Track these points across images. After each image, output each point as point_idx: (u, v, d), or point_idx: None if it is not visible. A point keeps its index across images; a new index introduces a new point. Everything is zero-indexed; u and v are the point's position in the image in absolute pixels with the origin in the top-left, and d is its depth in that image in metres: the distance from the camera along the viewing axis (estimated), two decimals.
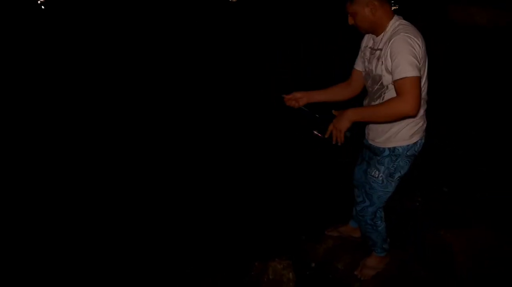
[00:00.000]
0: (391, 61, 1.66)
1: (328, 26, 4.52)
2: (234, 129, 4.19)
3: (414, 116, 1.68)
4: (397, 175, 1.96)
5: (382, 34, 1.78)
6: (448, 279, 2.27)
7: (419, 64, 1.64)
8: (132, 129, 4.07)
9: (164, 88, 4.29)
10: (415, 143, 1.89)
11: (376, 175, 1.97)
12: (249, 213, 3.05)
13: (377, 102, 1.84)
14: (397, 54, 1.63)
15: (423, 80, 1.76)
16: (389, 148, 1.91)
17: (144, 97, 4.16)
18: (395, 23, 1.75)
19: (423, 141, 1.94)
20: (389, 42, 1.69)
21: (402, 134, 1.86)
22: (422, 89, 1.74)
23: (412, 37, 1.66)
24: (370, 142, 2.01)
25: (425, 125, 1.92)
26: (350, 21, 1.82)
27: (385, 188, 1.99)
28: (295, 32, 4.58)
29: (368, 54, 1.90)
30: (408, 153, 1.90)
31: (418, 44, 1.66)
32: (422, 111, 1.86)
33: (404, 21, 1.77)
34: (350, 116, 1.70)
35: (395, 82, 1.65)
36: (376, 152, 1.97)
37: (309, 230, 2.83)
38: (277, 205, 3.11)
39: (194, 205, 3.17)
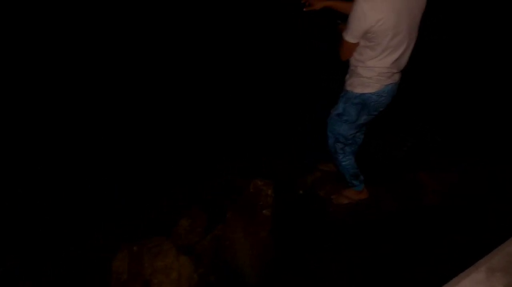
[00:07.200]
0: None
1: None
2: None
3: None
4: (344, 118, 2.16)
5: None
6: (415, 212, 2.51)
7: (360, 33, 1.82)
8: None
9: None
10: (361, 94, 2.03)
11: (332, 111, 2.23)
12: (248, 140, 3.30)
13: None
14: (349, 16, 1.81)
15: (381, 49, 1.87)
16: (345, 90, 2.12)
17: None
18: None
19: (374, 97, 2.04)
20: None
21: (352, 81, 2.05)
22: (378, 57, 1.91)
23: (369, 7, 1.73)
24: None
25: (376, 85, 2.00)
26: None
27: (333, 124, 2.23)
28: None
29: None
30: (355, 101, 2.07)
31: (372, 16, 1.74)
32: (370, 73, 1.96)
33: None
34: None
35: None
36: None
37: (302, 162, 3.11)
38: (277, 135, 3.35)
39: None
